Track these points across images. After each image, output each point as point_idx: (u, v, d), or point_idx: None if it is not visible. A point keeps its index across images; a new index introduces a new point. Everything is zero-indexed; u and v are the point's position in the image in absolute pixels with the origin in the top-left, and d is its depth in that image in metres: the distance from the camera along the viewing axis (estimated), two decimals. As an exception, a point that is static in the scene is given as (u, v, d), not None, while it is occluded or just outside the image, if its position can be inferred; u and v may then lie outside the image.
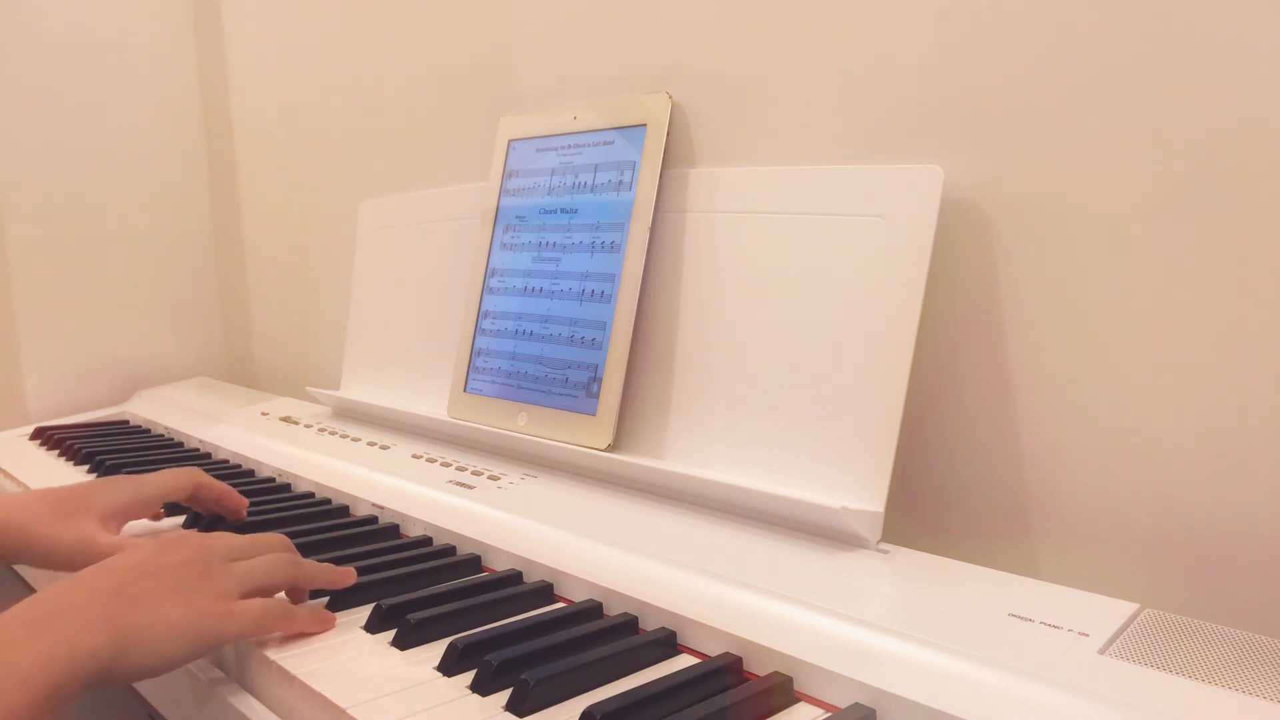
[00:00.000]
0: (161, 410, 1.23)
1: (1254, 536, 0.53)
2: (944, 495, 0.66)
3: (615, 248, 0.77)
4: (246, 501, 0.74)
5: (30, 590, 0.84)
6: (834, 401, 0.63)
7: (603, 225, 0.79)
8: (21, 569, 0.87)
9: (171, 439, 1.11)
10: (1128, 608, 0.49)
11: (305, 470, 0.86)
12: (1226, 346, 0.54)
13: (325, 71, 1.25)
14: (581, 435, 0.76)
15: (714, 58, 0.77)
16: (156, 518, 0.76)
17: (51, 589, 0.47)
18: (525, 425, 0.81)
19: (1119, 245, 0.57)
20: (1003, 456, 0.63)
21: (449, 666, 0.49)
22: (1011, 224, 0.62)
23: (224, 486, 0.73)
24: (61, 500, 0.65)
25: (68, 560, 0.63)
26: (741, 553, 0.58)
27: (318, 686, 0.47)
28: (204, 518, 0.74)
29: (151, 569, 0.50)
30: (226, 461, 0.97)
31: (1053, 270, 0.60)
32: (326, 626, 0.54)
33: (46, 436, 1.11)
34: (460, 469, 0.80)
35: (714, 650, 0.50)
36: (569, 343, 0.79)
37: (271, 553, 0.56)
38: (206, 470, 0.92)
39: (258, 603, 0.51)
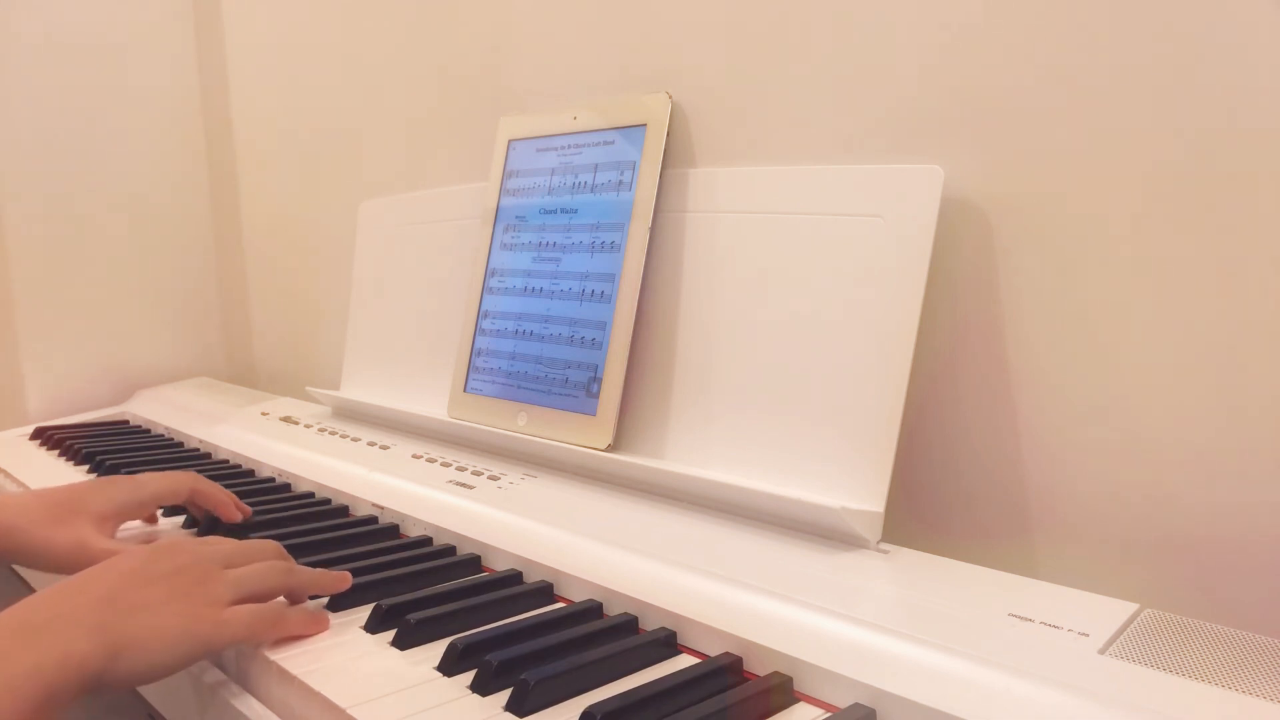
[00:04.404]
0: (161, 410, 1.23)
1: (1254, 536, 0.53)
2: (944, 495, 0.66)
3: (615, 248, 0.77)
4: (249, 510, 0.74)
5: (30, 589, 0.84)
6: (834, 401, 0.63)
7: (603, 225, 0.79)
8: (21, 569, 0.88)
9: (171, 439, 1.11)
10: (1128, 608, 0.49)
11: (305, 470, 0.86)
12: (1226, 346, 0.54)
13: (325, 72, 1.25)
14: (581, 435, 0.76)
15: (714, 58, 0.77)
16: (152, 520, 0.76)
17: (43, 595, 0.47)
18: (525, 425, 0.81)
19: (1119, 245, 0.57)
20: (1003, 456, 0.63)
21: (449, 666, 0.49)
22: (1011, 224, 0.62)
23: (222, 497, 0.72)
24: (57, 502, 0.65)
25: (61, 563, 0.63)
26: (741, 553, 0.58)
27: (318, 687, 0.47)
28: (202, 519, 0.74)
29: (145, 576, 0.50)
30: (226, 461, 0.97)
31: (1053, 270, 0.60)
32: (321, 628, 0.54)
33: (46, 436, 1.11)
34: (460, 469, 0.80)
35: (714, 650, 0.50)
36: (569, 343, 0.79)
37: (265, 560, 0.56)
38: (206, 471, 0.92)
39: (250, 608, 0.51)
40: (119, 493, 0.68)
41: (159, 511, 0.76)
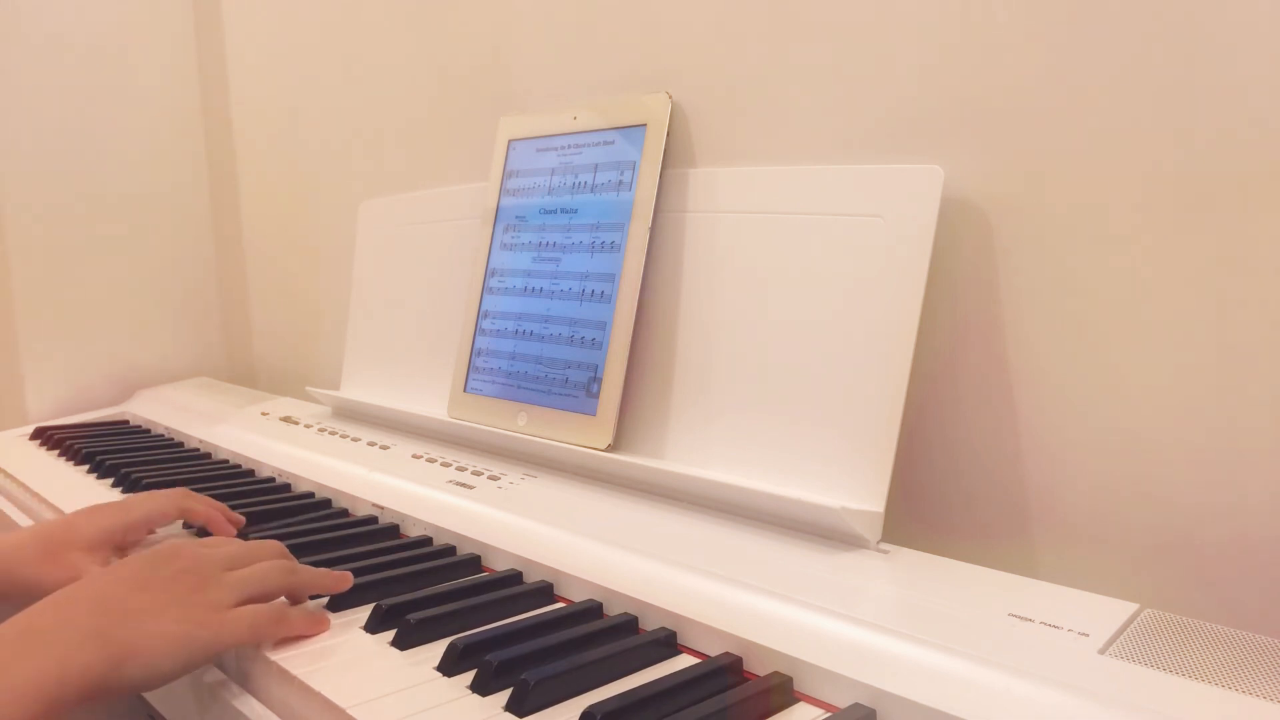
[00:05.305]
0: (161, 410, 1.23)
1: (1254, 536, 0.53)
2: (944, 495, 0.66)
3: (615, 248, 0.77)
4: (242, 520, 0.73)
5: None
6: (834, 401, 0.63)
7: (603, 225, 0.79)
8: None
9: (171, 439, 1.11)
10: (1128, 608, 0.49)
11: (305, 470, 0.86)
12: (1226, 346, 0.54)
13: (325, 72, 1.25)
14: (581, 435, 0.76)
15: (714, 58, 0.77)
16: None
17: (44, 604, 0.47)
18: (525, 425, 0.81)
19: (1119, 245, 0.57)
20: (1003, 456, 0.63)
21: (449, 666, 0.49)
22: (1011, 224, 0.62)
23: (212, 514, 0.71)
24: (47, 538, 0.64)
25: None
26: (741, 553, 0.58)
27: (318, 687, 0.47)
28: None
29: (144, 581, 0.50)
30: (226, 461, 0.97)
31: (1053, 270, 0.60)
32: (322, 628, 0.54)
33: (46, 436, 1.11)
34: (460, 469, 0.80)
35: (714, 650, 0.50)
36: (569, 343, 0.79)
37: (266, 560, 0.56)
38: (206, 470, 0.92)
39: (251, 610, 0.51)
40: (107, 519, 0.67)
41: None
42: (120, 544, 0.67)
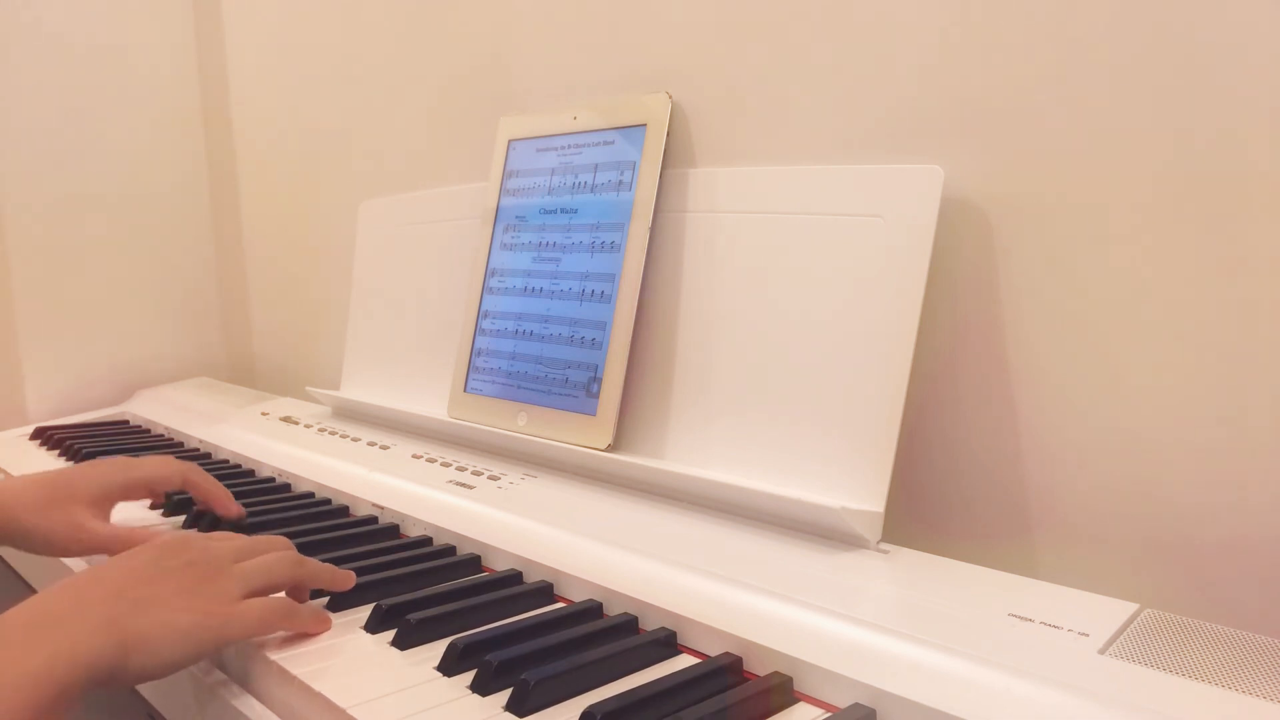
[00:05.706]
0: (161, 410, 1.23)
1: (1254, 536, 0.53)
2: (944, 495, 0.66)
3: (615, 248, 0.77)
4: (242, 510, 0.73)
5: (30, 590, 0.84)
6: (834, 401, 0.63)
7: (603, 225, 0.79)
8: (19, 566, 0.88)
9: (171, 439, 1.11)
10: (1128, 608, 0.50)
11: (305, 470, 0.86)
12: (1226, 346, 0.54)
13: (325, 71, 1.25)
14: (581, 435, 0.76)
15: (714, 58, 0.77)
16: (155, 498, 0.75)
17: (52, 591, 0.47)
18: (525, 425, 0.81)
19: (1119, 245, 0.57)
20: (1003, 456, 0.63)
21: (449, 666, 0.49)
22: (1011, 224, 0.62)
23: (215, 490, 0.72)
24: (52, 486, 0.66)
25: (58, 547, 0.65)
26: (741, 553, 0.58)
27: (318, 687, 0.47)
28: (204, 518, 0.74)
29: (155, 572, 0.50)
30: (226, 461, 0.97)
31: (1053, 270, 0.60)
32: (325, 627, 0.54)
33: (46, 436, 1.11)
34: (460, 469, 0.80)
35: (714, 650, 0.50)
36: (569, 343, 0.79)
37: (274, 552, 0.56)
38: (206, 470, 0.92)
39: (259, 602, 0.51)
40: (111, 473, 0.69)
41: (160, 513, 0.77)
42: (120, 500, 0.70)
